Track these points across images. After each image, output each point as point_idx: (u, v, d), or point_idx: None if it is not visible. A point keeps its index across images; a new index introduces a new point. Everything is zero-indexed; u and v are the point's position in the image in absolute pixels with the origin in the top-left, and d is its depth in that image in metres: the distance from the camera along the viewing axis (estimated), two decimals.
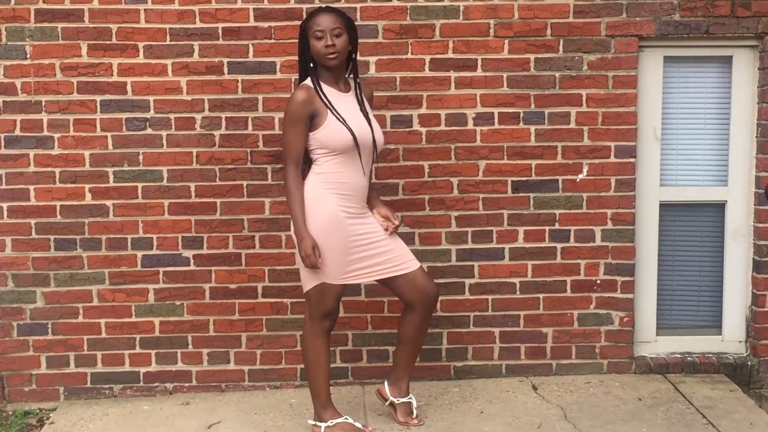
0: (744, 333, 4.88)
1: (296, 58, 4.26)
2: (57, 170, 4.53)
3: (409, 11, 4.53)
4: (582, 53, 4.60)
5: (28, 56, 4.47)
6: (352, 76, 4.02)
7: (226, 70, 4.53)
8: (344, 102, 3.92)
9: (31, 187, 4.53)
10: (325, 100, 3.85)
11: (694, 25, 4.60)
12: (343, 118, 3.84)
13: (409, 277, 3.99)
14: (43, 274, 4.57)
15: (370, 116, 3.97)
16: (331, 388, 4.39)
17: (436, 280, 4.64)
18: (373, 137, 3.93)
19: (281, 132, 4.06)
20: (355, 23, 4.03)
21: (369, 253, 3.94)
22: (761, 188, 4.69)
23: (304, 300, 4.03)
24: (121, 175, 4.55)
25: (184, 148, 4.56)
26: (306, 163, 3.91)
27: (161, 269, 4.61)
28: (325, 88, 3.89)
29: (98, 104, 4.51)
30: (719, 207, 4.84)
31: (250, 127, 4.56)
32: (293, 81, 4.51)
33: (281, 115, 4.51)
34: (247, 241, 4.61)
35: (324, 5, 4.08)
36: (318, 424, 4.01)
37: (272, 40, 4.52)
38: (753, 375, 4.77)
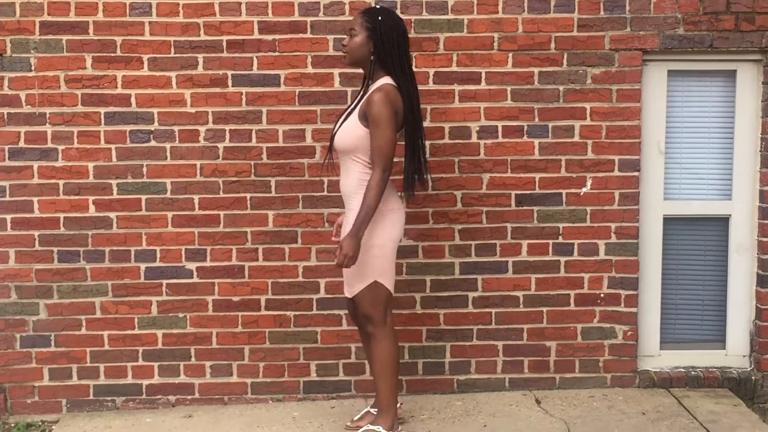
0: (748, 347, 4.87)
1: (300, 71, 4.44)
2: (61, 182, 4.53)
3: (413, 24, 4.53)
4: (586, 67, 4.60)
5: (32, 68, 4.48)
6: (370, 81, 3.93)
7: (230, 82, 4.53)
8: (354, 102, 4.01)
9: (35, 199, 4.53)
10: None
11: (698, 39, 4.60)
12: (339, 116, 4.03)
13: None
14: (47, 286, 4.57)
15: (349, 116, 3.93)
16: (333, 401, 4.40)
17: (440, 294, 4.67)
18: (332, 135, 3.99)
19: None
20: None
21: None
22: (765, 202, 4.69)
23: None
24: (125, 187, 4.55)
25: (187, 160, 4.56)
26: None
27: (164, 281, 4.61)
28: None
29: (102, 116, 4.52)
30: (723, 221, 4.83)
31: (254, 139, 4.56)
32: (297, 93, 4.53)
33: (285, 127, 4.54)
34: (250, 253, 4.61)
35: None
36: None
37: (276, 53, 4.52)
38: (757, 389, 4.76)
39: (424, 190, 4.46)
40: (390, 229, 3.91)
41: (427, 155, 4.21)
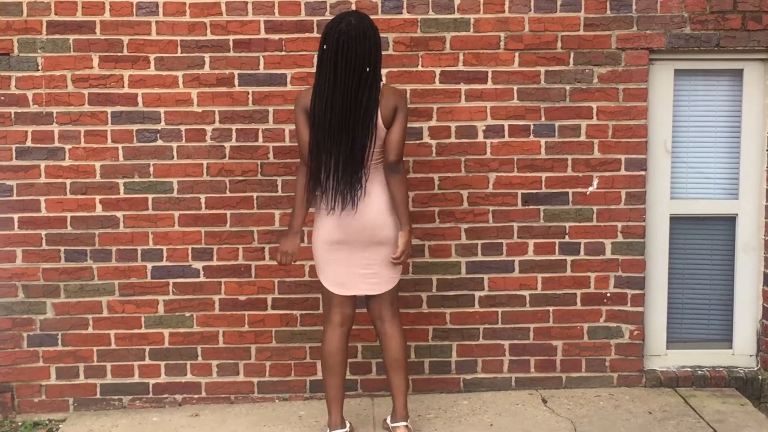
0: (755, 347, 4.86)
1: (306, 70, 4.47)
2: (68, 181, 4.54)
3: (419, 24, 4.54)
4: (592, 66, 4.60)
5: (39, 68, 4.48)
6: None
7: (236, 82, 4.54)
8: None
9: (42, 198, 4.54)
10: None
11: (705, 38, 4.60)
12: None
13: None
14: (53, 285, 4.58)
15: None
16: None
17: (446, 293, 4.67)
18: None
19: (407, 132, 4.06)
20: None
21: None
22: None
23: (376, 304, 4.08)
24: (132, 186, 4.56)
25: (194, 159, 4.56)
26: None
27: (171, 281, 4.61)
28: None
29: (109, 116, 4.52)
30: (730, 220, 4.83)
31: (260, 138, 4.57)
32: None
33: (292, 126, 4.54)
34: (257, 252, 4.62)
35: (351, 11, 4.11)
36: None
37: (283, 53, 4.53)
38: (764, 389, 4.75)
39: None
40: (316, 231, 3.97)
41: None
